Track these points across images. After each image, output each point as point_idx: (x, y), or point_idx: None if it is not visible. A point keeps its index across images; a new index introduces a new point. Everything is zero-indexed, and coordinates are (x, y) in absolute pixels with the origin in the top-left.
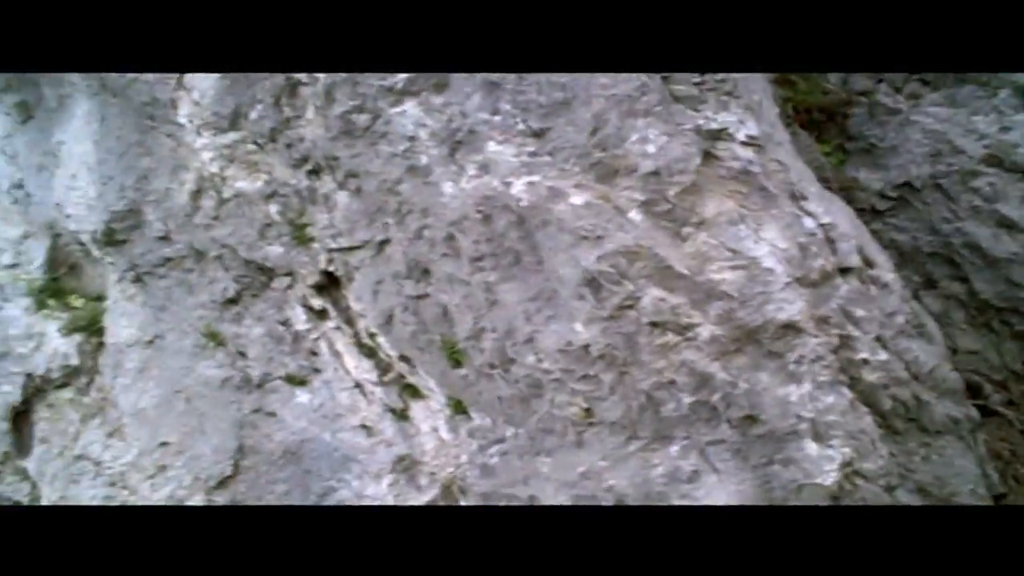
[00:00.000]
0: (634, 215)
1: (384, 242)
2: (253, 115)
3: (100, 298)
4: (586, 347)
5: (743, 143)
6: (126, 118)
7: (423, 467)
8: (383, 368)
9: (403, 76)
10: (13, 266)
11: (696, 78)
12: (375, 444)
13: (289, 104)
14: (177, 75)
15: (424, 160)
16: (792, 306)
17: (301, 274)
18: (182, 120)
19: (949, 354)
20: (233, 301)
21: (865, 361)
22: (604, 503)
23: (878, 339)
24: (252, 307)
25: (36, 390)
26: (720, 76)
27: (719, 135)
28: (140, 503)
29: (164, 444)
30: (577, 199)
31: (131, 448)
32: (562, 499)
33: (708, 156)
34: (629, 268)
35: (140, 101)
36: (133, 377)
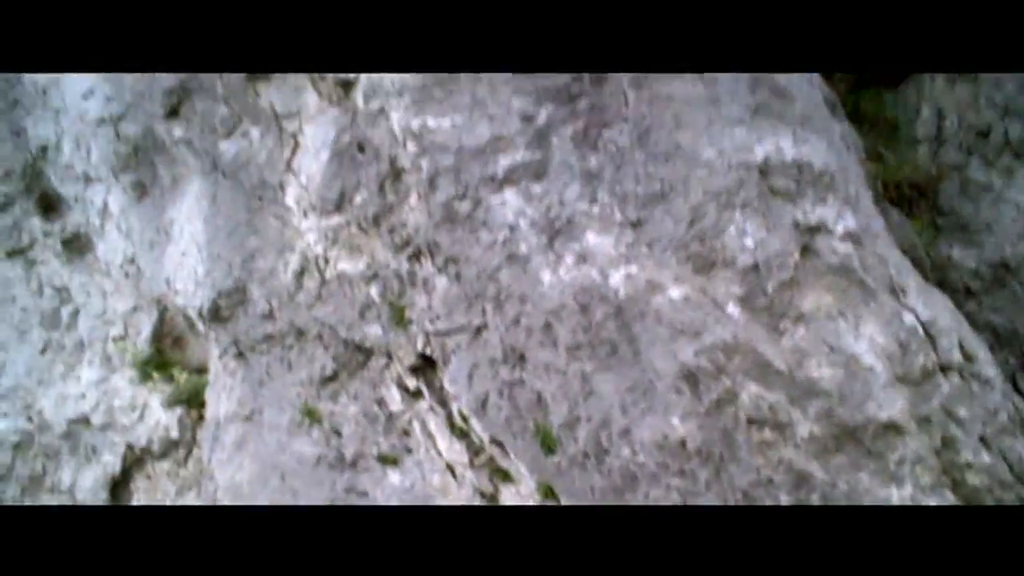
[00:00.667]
0: (732, 309)
1: (481, 327)
2: (358, 199)
3: (202, 371)
4: (683, 442)
5: (841, 237)
6: (236, 198)
7: None
8: (475, 451)
9: (504, 165)
10: (121, 338)
11: (794, 173)
12: None
13: (393, 190)
14: (287, 159)
15: (523, 248)
16: (893, 405)
17: (398, 355)
18: (290, 202)
19: None
20: (330, 379)
21: (968, 464)
22: None
23: (982, 439)
24: (349, 386)
25: (136, 460)
26: (818, 170)
27: (817, 229)
28: None
29: None
30: (675, 292)
31: None
32: None
33: (806, 250)
34: (727, 363)
35: (250, 183)
36: (230, 451)
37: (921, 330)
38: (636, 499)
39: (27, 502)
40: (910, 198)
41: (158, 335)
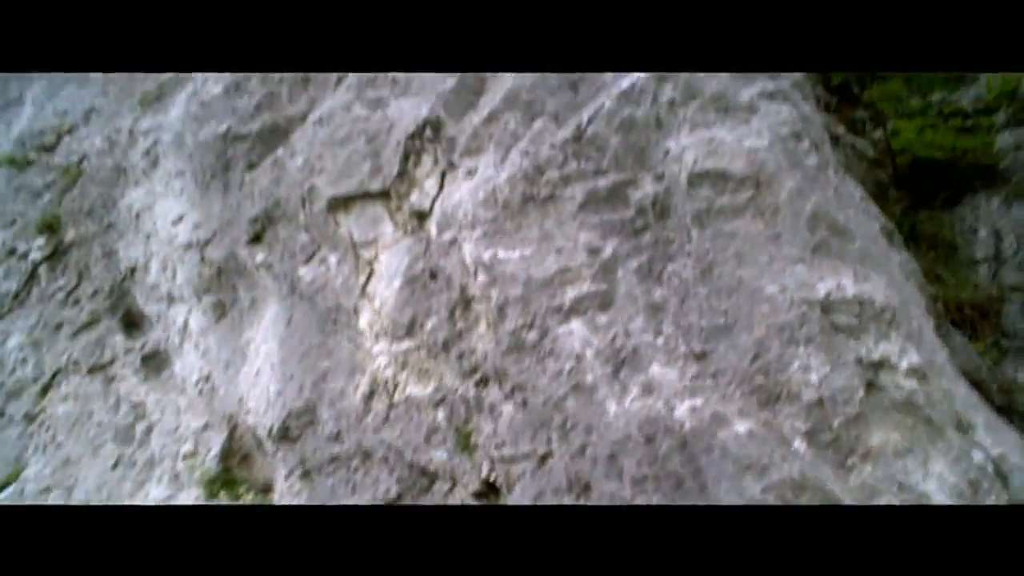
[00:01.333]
0: (798, 444)
1: (546, 455)
2: (429, 325)
3: (267, 490)
4: None
5: (906, 373)
6: (311, 321)
7: None
8: None
9: (571, 296)
10: (191, 455)
11: (856, 309)
12: None
13: (463, 317)
14: (362, 284)
15: (589, 378)
16: None
17: (462, 480)
18: (362, 326)
19: None
20: (394, 502)
21: None
22: None
23: None
24: None
25: None
26: (879, 306)
27: (881, 365)
28: None
29: None
30: (741, 426)
31: None
32: None
33: (871, 386)
34: (795, 499)
35: (325, 306)
36: None
37: (991, 467)
38: None
39: None
40: (972, 319)
41: (227, 453)
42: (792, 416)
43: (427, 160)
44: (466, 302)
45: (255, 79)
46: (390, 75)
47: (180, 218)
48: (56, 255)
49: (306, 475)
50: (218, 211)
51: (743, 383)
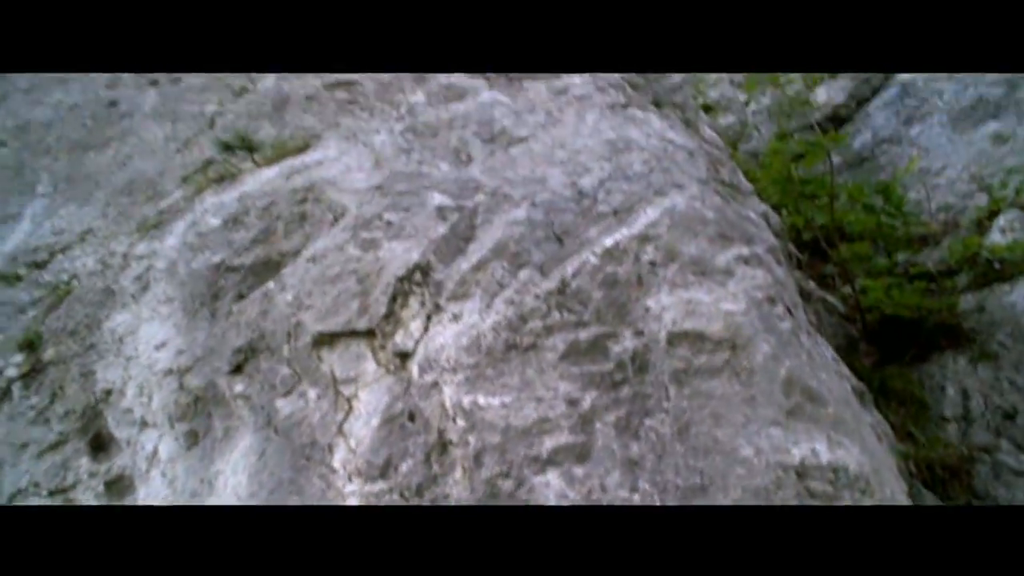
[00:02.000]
0: None
1: None
2: (404, 468)
3: None
4: None
5: None
6: (284, 456)
7: None
8: None
9: (548, 446)
10: None
11: (830, 476)
12: None
13: (439, 462)
14: (339, 421)
15: None
16: None
17: None
18: (336, 464)
19: None
20: None
21: None
22: None
23: None
24: None
25: None
26: (853, 473)
27: None
28: None
29: None
30: None
31: None
32: None
33: None
34: None
35: (300, 442)
36: None
37: None
38: None
39: None
40: (944, 479)
41: None
42: None
43: (414, 302)
44: (443, 446)
45: (254, 214)
46: (384, 217)
47: (163, 344)
48: (32, 373)
49: None
50: (202, 339)
51: None
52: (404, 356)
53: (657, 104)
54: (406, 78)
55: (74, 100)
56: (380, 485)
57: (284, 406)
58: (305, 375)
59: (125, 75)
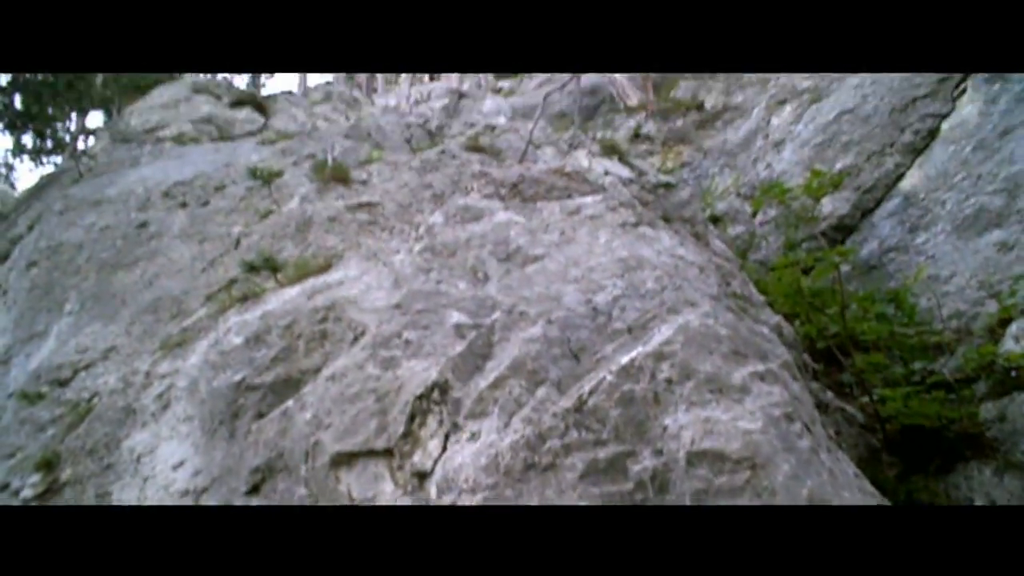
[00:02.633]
0: None
1: None
2: None
3: None
4: None
5: None
6: None
7: None
8: None
9: None
10: None
11: None
12: None
13: None
14: None
15: None
16: None
17: None
18: None
19: None
20: None
21: None
22: None
23: None
24: None
25: None
26: None
27: None
28: None
29: None
30: None
31: None
32: None
33: None
34: None
35: None
36: None
37: None
38: None
39: None
40: None
41: None
42: None
43: (432, 421)
44: None
45: (276, 332)
46: (403, 335)
47: (181, 463)
48: (48, 493)
49: None
50: (220, 459)
51: None
52: (422, 476)
53: (667, 219)
54: (425, 199)
55: (106, 222)
56: None
57: None
58: (322, 496)
59: (157, 198)
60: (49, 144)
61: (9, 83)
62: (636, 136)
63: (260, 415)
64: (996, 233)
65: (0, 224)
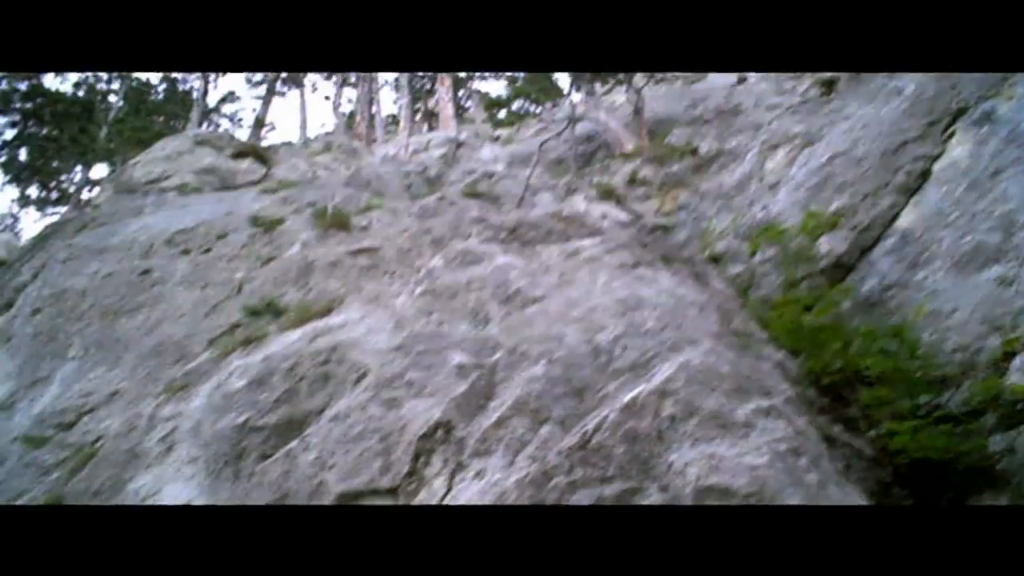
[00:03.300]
0: None
1: None
2: None
3: None
4: None
5: None
6: None
7: None
8: None
9: None
10: None
11: None
12: None
13: None
14: None
15: None
16: None
17: None
18: None
19: None
20: None
21: None
22: None
23: None
24: None
25: None
26: None
27: None
28: None
29: None
30: None
31: None
32: None
33: None
34: None
35: None
36: None
37: None
38: None
39: None
40: None
41: None
42: None
43: (437, 460)
44: None
45: (278, 375)
46: (406, 376)
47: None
48: None
49: None
50: (225, 500)
51: None
52: None
53: (666, 260)
54: (424, 244)
55: (110, 269)
56: None
57: None
58: None
59: (159, 245)
60: (54, 195)
61: (15, 137)
62: (632, 181)
63: (264, 456)
64: (995, 269)
65: (5, 272)
